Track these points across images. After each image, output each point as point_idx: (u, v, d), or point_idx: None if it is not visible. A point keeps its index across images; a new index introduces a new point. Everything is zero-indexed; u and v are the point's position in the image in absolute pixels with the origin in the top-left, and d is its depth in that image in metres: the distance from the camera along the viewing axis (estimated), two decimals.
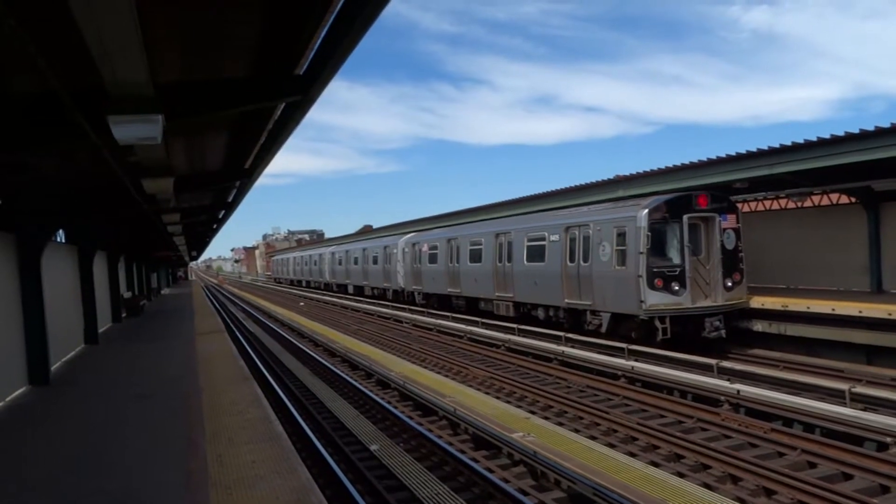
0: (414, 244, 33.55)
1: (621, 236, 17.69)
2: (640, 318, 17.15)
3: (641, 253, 16.95)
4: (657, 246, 17.12)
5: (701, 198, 17.36)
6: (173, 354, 16.87)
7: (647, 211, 17.09)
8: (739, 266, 17.71)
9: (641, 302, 16.89)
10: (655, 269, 16.91)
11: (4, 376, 11.90)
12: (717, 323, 16.88)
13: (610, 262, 18.05)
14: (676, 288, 16.92)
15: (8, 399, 11.83)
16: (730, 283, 17.42)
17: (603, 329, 18.48)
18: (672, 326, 16.61)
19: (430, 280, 31.49)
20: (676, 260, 17.21)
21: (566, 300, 20.06)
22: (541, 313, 21.91)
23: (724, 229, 17.52)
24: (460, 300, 28.44)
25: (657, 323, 16.69)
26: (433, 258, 30.85)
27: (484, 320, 23.87)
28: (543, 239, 21.37)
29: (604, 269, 18.31)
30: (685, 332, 16.88)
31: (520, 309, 23.30)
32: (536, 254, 21.75)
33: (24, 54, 5.55)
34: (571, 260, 19.77)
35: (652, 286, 16.80)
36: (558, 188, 24.70)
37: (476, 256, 26.27)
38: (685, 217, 17.13)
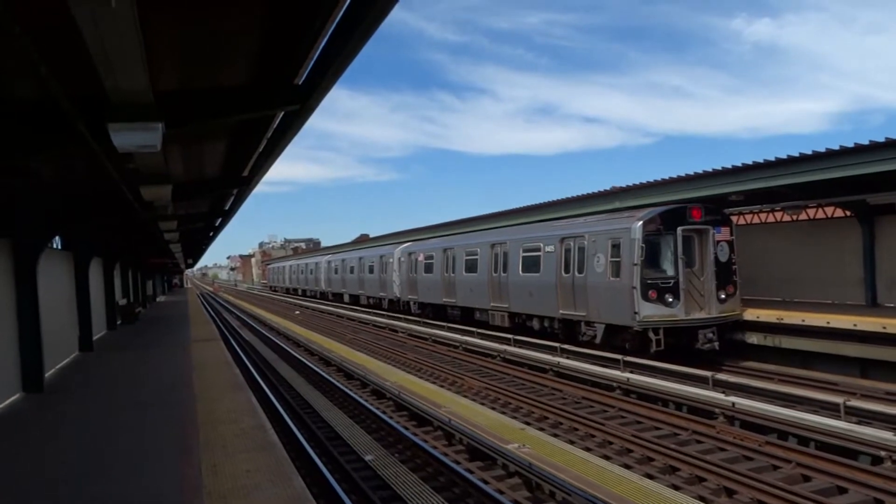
0: (410, 254, 33.60)
1: (616, 248, 17.74)
2: (634, 330, 17.18)
3: (636, 264, 17.01)
4: (651, 258, 17.21)
5: (695, 210, 17.47)
6: (168, 362, 16.81)
7: (641, 223, 17.18)
8: (733, 278, 17.78)
9: (635, 313, 16.92)
10: (649, 281, 16.96)
11: None
12: (711, 335, 16.95)
13: (604, 273, 18.11)
14: (670, 300, 16.98)
15: (1, 406, 11.77)
16: (723, 296, 17.47)
17: (597, 340, 18.50)
18: (666, 338, 16.67)
19: (425, 290, 31.52)
20: (670, 272, 17.27)
21: (561, 311, 20.11)
22: (535, 324, 21.93)
23: (718, 242, 17.59)
24: (456, 310, 28.46)
25: (651, 334, 16.75)
26: (429, 268, 30.88)
27: (480, 330, 23.85)
28: (539, 250, 21.43)
29: (598, 280, 18.36)
30: (679, 344, 16.91)
31: (515, 319, 23.32)
32: (532, 264, 21.79)
33: (26, 61, 5.57)
34: (566, 271, 19.83)
35: (646, 298, 16.85)
36: (554, 199, 24.84)
37: (472, 266, 26.31)
38: (679, 229, 17.21)
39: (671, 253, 17.31)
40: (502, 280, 23.74)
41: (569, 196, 23.90)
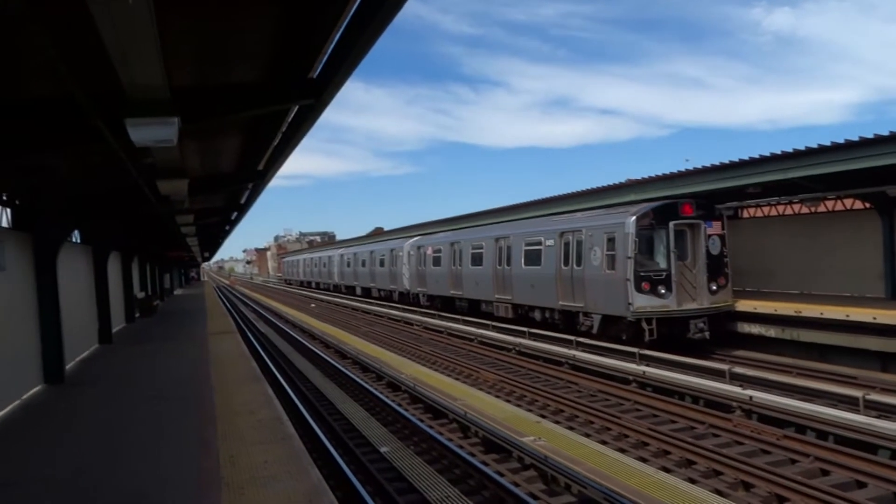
0: (419, 247, 34.40)
1: (611, 241, 18.40)
2: (628, 320, 17.80)
3: (629, 257, 17.66)
4: (644, 251, 17.92)
5: (686, 205, 18.13)
6: (186, 355, 16.98)
7: (634, 218, 17.80)
8: (724, 270, 18.44)
9: (629, 304, 17.57)
10: (643, 273, 17.63)
11: (20, 375, 12.04)
12: (702, 325, 17.60)
13: (600, 266, 18.78)
14: (662, 291, 17.62)
15: (24, 397, 11.96)
16: (714, 287, 18.15)
17: (594, 330, 19.15)
18: (658, 328, 17.29)
19: (434, 282, 32.34)
20: (663, 264, 17.93)
21: (560, 302, 20.84)
22: (537, 315, 22.64)
23: (710, 235, 18.29)
24: (463, 302, 29.28)
25: (644, 324, 17.35)
26: (437, 261, 31.73)
27: (494, 323, 23.95)
28: (540, 244, 22.15)
29: (595, 272, 19.04)
30: (671, 334, 17.48)
31: (518, 311, 24.12)
32: (533, 258, 22.53)
33: (44, 59, 5.64)
34: (565, 264, 20.51)
35: (639, 289, 17.51)
36: (557, 194, 25.38)
37: (477, 260, 27.13)
38: (671, 224, 17.84)
39: (664, 246, 17.99)
40: (506, 273, 24.50)
41: (583, 189, 23.90)
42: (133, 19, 4.08)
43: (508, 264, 24.27)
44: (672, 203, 18.23)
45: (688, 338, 17.46)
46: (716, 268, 18.23)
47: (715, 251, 18.27)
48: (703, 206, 18.32)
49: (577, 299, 19.95)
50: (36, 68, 6.39)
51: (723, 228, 18.59)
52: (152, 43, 4.65)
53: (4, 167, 10.20)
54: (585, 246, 19.47)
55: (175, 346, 19.06)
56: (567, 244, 20.49)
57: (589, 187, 23.55)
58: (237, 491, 6.66)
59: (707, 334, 17.55)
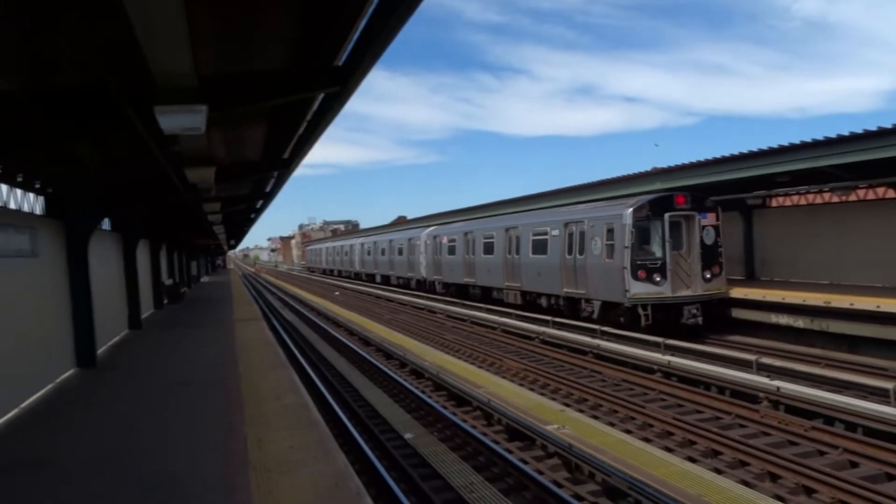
0: (435, 237, 35.51)
1: (610, 232, 19.31)
2: (626, 306, 18.67)
3: (626, 247, 18.55)
4: (641, 241, 18.74)
5: (680, 198, 18.95)
6: (213, 341, 17.24)
7: (631, 209, 18.69)
8: (719, 260, 19.26)
9: (626, 291, 18.44)
10: (639, 262, 18.53)
11: (54, 359, 12.34)
12: (695, 311, 18.38)
13: (601, 255, 19.75)
14: (658, 279, 18.50)
15: (57, 381, 12.26)
16: (708, 275, 19.00)
17: (595, 316, 20.11)
18: (654, 314, 18.17)
19: (448, 270, 33.49)
20: (658, 254, 18.75)
21: (564, 289, 21.88)
22: (543, 301, 23.67)
23: (704, 226, 19.07)
24: (476, 289, 30.30)
25: (640, 310, 18.18)
26: (452, 250, 32.87)
27: (518, 312, 23.97)
28: (546, 234, 23.16)
29: (595, 261, 20.01)
30: (666, 319, 18.21)
31: (526, 297, 25.11)
32: (540, 247, 23.56)
33: (77, 48, 5.72)
34: (569, 253, 21.52)
35: (636, 277, 18.43)
36: (579, 183, 25.68)
37: (489, 249, 28.21)
38: (666, 215, 18.68)
39: (659, 236, 18.77)
40: (515, 261, 25.56)
41: (606, 178, 23.78)
42: (163, 6, 4.13)
43: (517, 253, 25.29)
44: (668, 196, 19.04)
45: (682, 323, 18.14)
46: (710, 257, 19.03)
47: (709, 241, 19.10)
48: (697, 198, 19.02)
49: (579, 286, 20.99)
50: (67, 56, 6.48)
51: (717, 219, 19.33)
52: (182, 30, 4.70)
53: (37, 156, 10.41)
54: (587, 236, 20.46)
55: (202, 332, 19.35)
56: (571, 234, 21.50)
57: (607, 177, 23.66)
58: (264, 474, 6.77)
59: (700, 320, 18.29)
